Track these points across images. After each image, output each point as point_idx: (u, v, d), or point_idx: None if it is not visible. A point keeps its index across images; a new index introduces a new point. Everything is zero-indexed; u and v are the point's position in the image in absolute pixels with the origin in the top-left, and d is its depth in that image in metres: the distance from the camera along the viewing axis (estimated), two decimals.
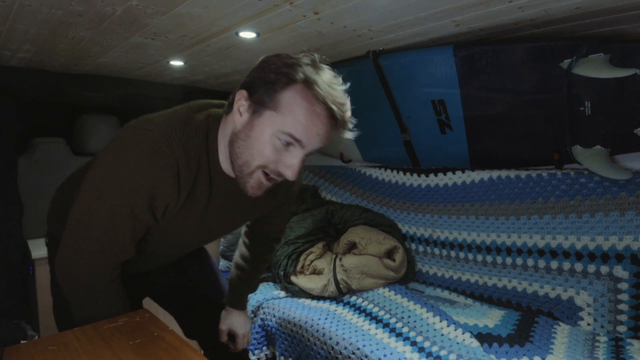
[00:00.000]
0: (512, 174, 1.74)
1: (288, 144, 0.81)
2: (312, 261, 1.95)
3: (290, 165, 0.84)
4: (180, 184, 0.84)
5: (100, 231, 0.84)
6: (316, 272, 1.92)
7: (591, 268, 1.53)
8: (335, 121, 0.81)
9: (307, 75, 0.78)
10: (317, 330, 1.60)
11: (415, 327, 1.55)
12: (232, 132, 0.84)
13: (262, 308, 1.90)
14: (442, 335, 1.48)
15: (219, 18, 1.34)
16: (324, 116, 0.80)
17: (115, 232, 0.85)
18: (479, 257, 1.85)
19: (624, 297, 1.45)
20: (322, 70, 0.82)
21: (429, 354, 1.37)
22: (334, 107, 0.79)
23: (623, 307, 1.46)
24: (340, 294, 1.84)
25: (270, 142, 0.80)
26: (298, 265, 1.96)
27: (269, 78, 0.79)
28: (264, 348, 1.87)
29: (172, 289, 1.26)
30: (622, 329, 1.46)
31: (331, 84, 0.81)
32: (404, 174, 2.13)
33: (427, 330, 1.52)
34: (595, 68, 1.34)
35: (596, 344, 1.42)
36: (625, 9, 1.20)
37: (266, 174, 0.85)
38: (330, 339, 1.54)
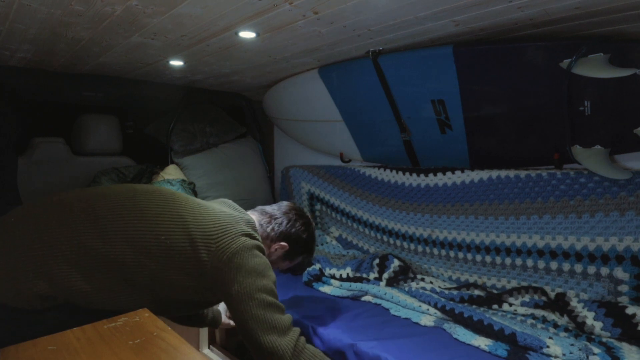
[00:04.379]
0: (512, 173, 1.74)
1: None
2: None
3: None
4: None
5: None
6: None
7: (591, 269, 1.53)
8: None
9: (313, 252, 1.50)
10: None
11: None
12: (269, 258, 1.28)
13: None
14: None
15: (219, 18, 1.34)
16: None
17: None
18: (478, 257, 1.85)
19: (624, 299, 1.45)
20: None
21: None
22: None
23: None
24: None
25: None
26: None
27: (303, 251, 1.43)
28: None
29: None
30: None
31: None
32: (404, 174, 2.13)
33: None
34: (595, 68, 1.34)
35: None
36: (625, 9, 1.20)
37: None
38: None
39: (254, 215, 1.34)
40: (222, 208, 1.25)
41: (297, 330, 1.15)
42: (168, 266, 1.07)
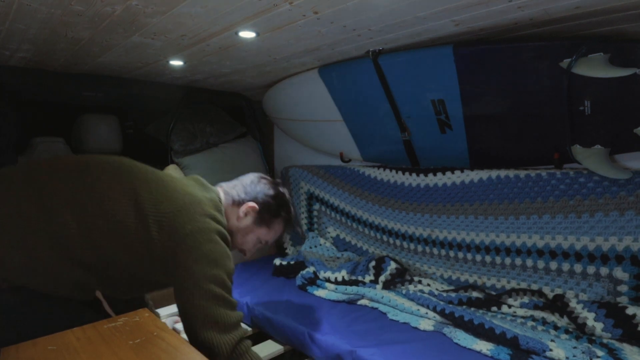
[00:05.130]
0: (512, 173, 1.74)
1: (258, 243, 1.34)
2: None
3: (252, 251, 1.37)
4: None
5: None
6: None
7: (591, 269, 1.53)
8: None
9: (290, 214, 1.37)
10: None
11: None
12: (235, 227, 1.26)
13: None
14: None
15: (219, 18, 1.34)
16: (283, 231, 1.40)
17: None
18: (478, 257, 1.85)
19: (624, 299, 1.45)
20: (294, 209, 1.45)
21: None
22: (292, 227, 1.44)
23: None
24: None
25: (256, 243, 1.34)
26: None
27: (278, 212, 1.31)
28: None
29: None
30: None
31: (295, 218, 1.40)
32: (404, 174, 2.13)
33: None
34: (595, 67, 1.34)
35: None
36: (625, 9, 1.20)
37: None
38: None
39: (220, 190, 1.28)
40: (187, 185, 1.16)
41: (243, 331, 1.07)
42: (117, 243, 0.99)
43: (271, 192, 1.31)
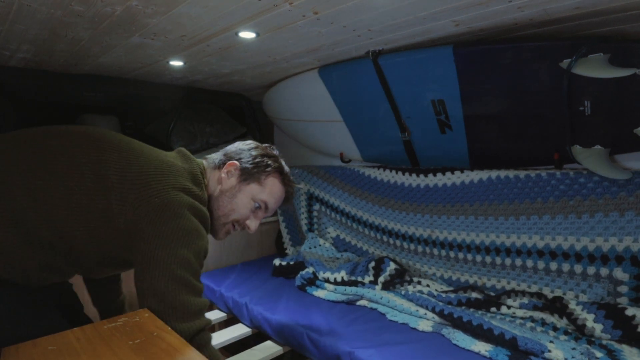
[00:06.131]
0: (512, 174, 1.74)
1: (257, 208, 1.16)
2: None
3: (255, 221, 1.17)
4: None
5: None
6: None
7: (591, 270, 1.53)
8: (286, 197, 1.22)
9: (282, 167, 1.19)
10: None
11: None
12: (219, 190, 1.12)
13: None
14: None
15: (219, 18, 1.34)
16: (283, 193, 1.20)
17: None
18: (478, 258, 1.85)
19: (624, 300, 1.45)
20: (283, 162, 1.20)
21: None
22: (290, 189, 1.21)
23: None
24: None
25: (249, 204, 1.14)
26: None
27: (263, 162, 1.15)
28: None
29: None
30: None
31: (289, 172, 1.21)
32: (404, 174, 2.13)
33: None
34: (595, 68, 1.34)
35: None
36: (625, 9, 1.21)
37: (233, 226, 1.16)
38: None
39: (204, 161, 1.17)
40: (166, 156, 1.06)
41: (206, 320, 0.97)
42: (77, 218, 0.91)
43: (253, 145, 1.19)
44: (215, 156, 1.17)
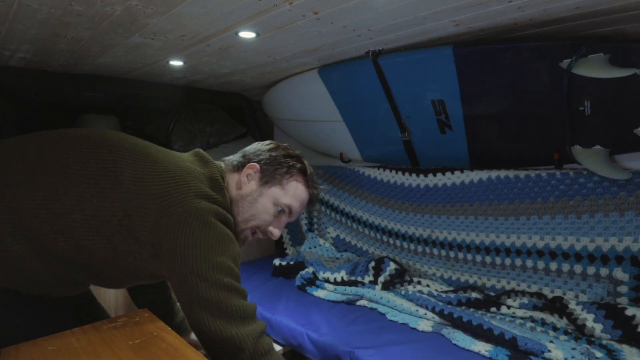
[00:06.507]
0: (512, 174, 1.74)
1: (281, 212, 1.07)
2: None
3: (278, 227, 1.09)
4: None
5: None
6: None
7: (591, 270, 1.53)
8: (310, 200, 1.12)
9: (305, 167, 1.10)
10: None
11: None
12: (239, 194, 1.05)
13: None
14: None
15: (219, 18, 1.34)
16: (307, 196, 1.11)
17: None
18: (478, 258, 1.85)
19: (624, 300, 1.45)
20: (307, 162, 1.12)
21: None
22: (314, 191, 1.12)
23: None
24: None
25: (271, 209, 1.06)
26: None
27: (285, 163, 1.07)
28: None
29: None
30: None
31: (313, 173, 1.12)
32: (403, 174, 2.13)
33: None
34: (595, 68, 1.34)
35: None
36: (625, 9, 1.20)
37: (253, 232, 1.08)
38: None
39: (222, 163, 1.11)
40: (184, 161, 1.00)
41: (262, 323, 0.94)
42: (95, 231, 0.87)
43: (273, 146, 1.11)
44: (234, 158, 1.11)
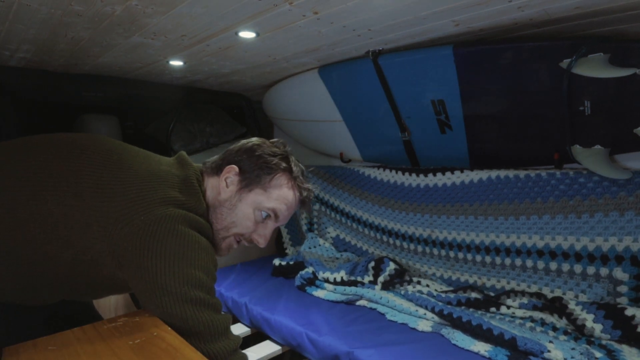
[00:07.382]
0: (512, 173, 1.74)
1: (266, 218, 0.97)
2: None
3: (264, 234, 0.99)
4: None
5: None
6: None
7: (590, 270, 1.53)
8: (302, 201, 1.02)
9: (291, 166, 1.00)
10: None
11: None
12: (217, 199, 0.96)
13: None
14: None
15: (219, 18, 1.34)
16: (296, 198, 1.01)
17: None
18: (478, 258, 1.85)
19: (624, 300, 1.45)
20: (294, 160, 1.03)
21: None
22: (304, 192, 1.01)
23: None
24: None
25: (253, 215, 0.96)
26: None
27: (268, 162, 0.96)
28: None
29: None
30: None
31: (300, 172, 1.02)
32: (403, 174, 2.13)
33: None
34: (595, 68, 1.34)
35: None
36: (625, 9, 1.20)
37: (237, 240, 0.99)
38: None
39: (203, 166, 1.03)
40: (159, 164, 0.93)
41: (236, 339, 0.89)
42: (57, 240, 0.81)
43: (256, 142, 1.00)
44: (214, 159, 1.02)
